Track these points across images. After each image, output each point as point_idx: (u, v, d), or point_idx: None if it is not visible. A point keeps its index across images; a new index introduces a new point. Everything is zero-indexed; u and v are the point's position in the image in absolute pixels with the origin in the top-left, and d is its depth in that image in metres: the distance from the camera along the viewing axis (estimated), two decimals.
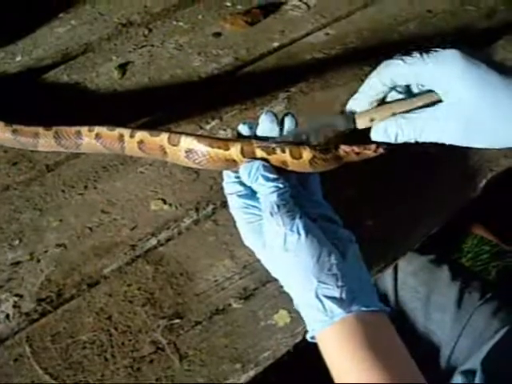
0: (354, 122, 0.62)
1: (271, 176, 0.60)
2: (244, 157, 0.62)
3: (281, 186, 0.60)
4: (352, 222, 0.64)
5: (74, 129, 0.71)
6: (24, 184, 0.76)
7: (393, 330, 0.59)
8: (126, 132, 0.68)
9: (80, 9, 1.00)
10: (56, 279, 0.67)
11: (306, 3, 1.01)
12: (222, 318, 0.65)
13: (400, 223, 0.70)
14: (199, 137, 0.64)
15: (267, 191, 0.60)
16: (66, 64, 0.91)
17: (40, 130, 0.73)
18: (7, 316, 0.64)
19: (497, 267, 1.59)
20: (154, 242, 0.71)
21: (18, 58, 0.92)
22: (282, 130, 0.64)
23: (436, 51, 0.58)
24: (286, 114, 0.64)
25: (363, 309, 0.57)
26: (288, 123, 0.64)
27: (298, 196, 0.63)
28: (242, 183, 0.63)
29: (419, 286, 1.00)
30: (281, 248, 0.58)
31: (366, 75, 0.88)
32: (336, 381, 0.58)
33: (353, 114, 0.62)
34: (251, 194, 0.63)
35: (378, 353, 0.56)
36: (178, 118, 0.84)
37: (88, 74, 0.90)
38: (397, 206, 0.75)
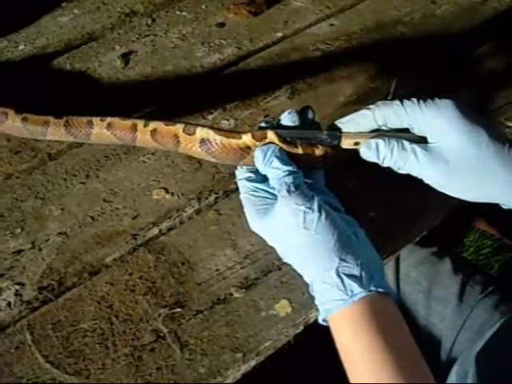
0: (338, 140, 0.63)
1: (286, 160, 0.61)
2: (256, 141, 0.63)
3: (295, 170, 0.61)
4: (353, 214, 0.63)
5: (85, 118, 0.72)
6: (26, 172, 0.76)
7: (400, 314, 0.59)
8: (139, 122, 0.69)
9: None
10: (57, 267, 0.67)
11: None
12: (223, 307, 0.65)
13: (400, 216, 0.70)
14: (215, 128, 0.65)
15: (281, 174, 0.60)
16: (69, 53, 0.91)
17: (50, 118, 0.73)
18: (9, 304, 0.64)
19: (499, 261, 1.59)
20: (155, 231, 0.71)
21: (21, 47, 0.92)
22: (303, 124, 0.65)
23: (432, 99, 0.60)
24: (306, 108, 0.66)
25: (380, 290, 0.58)
26: (310, 115, 0.65)
27: None
28: (253, 171, 0.64)
29: (421, 278, 1.00)
30: (299, 227, 0.58)
31: (370, 66, 0.89)
32: (345, 363, 0.58)
33: (340, 132, 0.63)
34: (261, 180, 0.64)
35: (389, 338, 0.56)
36: (180, 107, 0.84)
37: (91, 63, 0.90)
38: (397, 199, 0.75)
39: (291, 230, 0.59)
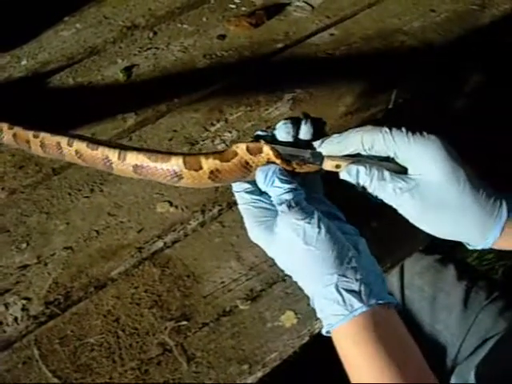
0: (321, 161, 0.63)
1: (287, 179, 0.61)
2: (251, 154, 0.62)
3: (295, 187, 0.61)
4: (357, 223, 0.64)
5: (55, 139, 0.69)
6: (31, 187, 0.77)
7: (401, 323, 0.59)
8: (111, 152, 0.66)
9: (85, 12, 1.00)
10: (63, 282, 0.68)
11: (310, 4, 1.02)
12: (228, 319, 0.65)
13: (403, 225, 0.70)
14: (214, 153, 0.64)
15: (282, 191, 0.60)
16: (72, 67, 0.92)
17: (30, 136, 0.72)
18: (16, 319, 0.65)
19: (503, 267, 1.59)
20: (160, 244, 0.71)
21: (24, 62, 0.92)
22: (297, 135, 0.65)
23: (420, 133, 0.61)
24: (301, 118, 0.65)
25: (380, 302, 0.58)
26: (305, 124, 0.65)
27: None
28: (250, 182, 0.64)
29: (425, 285, 1.00)
30: (299, 242, 0.58)
31: (370, 75, 0.89)
32: (349, 375, 0.58)
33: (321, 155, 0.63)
34: (259, 191, 0.64)
35: (392, 350, 0.56)
36: (183, 120, 0.84)
37: (93, 77, 0.90)
38: None
39: (291, 244, 0.59)
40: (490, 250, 1.59)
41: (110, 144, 0.67)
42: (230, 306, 0.66)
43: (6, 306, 0.66)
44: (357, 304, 0.57)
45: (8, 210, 0.74)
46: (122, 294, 0.67)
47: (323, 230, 0.58)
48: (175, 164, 0.63)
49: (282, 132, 0.64)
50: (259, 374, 0.62)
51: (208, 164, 0.63)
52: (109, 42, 0.96)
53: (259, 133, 0.65)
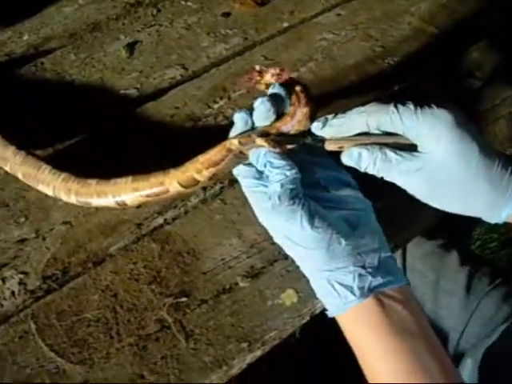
0: (322, 144, 0.61)
1: (276, 162, 0.58)
2: (244, 146, 0.61)
3: (287, 173, 0.58)
4: None
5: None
6: None
7: (411, 303, 0.58)
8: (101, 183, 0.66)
9: None
10: (61, 257, 0.67)
11: None
12: (228, 296, 0.64)
13: (408, 206, 0.69)
14: (207, 159, 0.62)
15: (274, 178, 0.58)
16: (74, 43, 0.91)
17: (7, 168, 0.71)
18: (13, 293, 0.64)
19: (506, 256, 1.58)
20: (160, 220, 0.70)
21: (26, 37, 0.91)
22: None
23: (429, 107, 0.57)
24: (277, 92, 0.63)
25: (379, 289, 0.57)
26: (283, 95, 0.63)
27: (308, 166, 0.62)
28: (249, 165, 0.62)
29: (428, 271, 1.00)
30: (287, 240, 0.58)
31: (376, 56, 0.88)
32: (359, 360, 0.58)
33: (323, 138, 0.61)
34: (257, 173, 0.61)
35: (397, 334, 0.55)
36: (185, 97, 0.83)
37: (96, 53, 0.89)
38: (404, 189, 0.74)
39: (281, 240, 0.59)
40: (494, 239, 1.59)
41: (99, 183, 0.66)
42: (230, 284, 0.65)
43: (4, 280, 0.65)
44: (351, 297, 0.56)
45: (7, 185, 0.73)
46: (120, 269, 0.66)
47: (308, 229, 0.56)
48: (175, 191, 0.63)
49: (261, 111, 0.61)
50: (258, 353, 0.62)
51: (203, 176, 0.62)
52: (112, 19, 0.94)
53: (239, 114, 0.63)
